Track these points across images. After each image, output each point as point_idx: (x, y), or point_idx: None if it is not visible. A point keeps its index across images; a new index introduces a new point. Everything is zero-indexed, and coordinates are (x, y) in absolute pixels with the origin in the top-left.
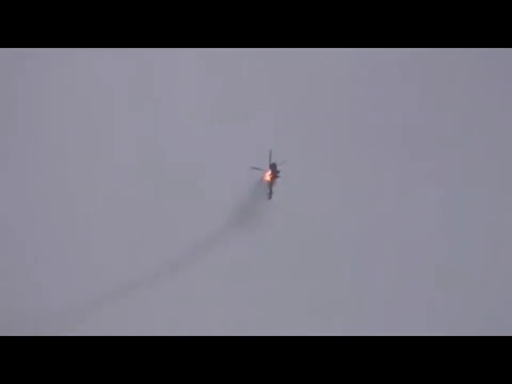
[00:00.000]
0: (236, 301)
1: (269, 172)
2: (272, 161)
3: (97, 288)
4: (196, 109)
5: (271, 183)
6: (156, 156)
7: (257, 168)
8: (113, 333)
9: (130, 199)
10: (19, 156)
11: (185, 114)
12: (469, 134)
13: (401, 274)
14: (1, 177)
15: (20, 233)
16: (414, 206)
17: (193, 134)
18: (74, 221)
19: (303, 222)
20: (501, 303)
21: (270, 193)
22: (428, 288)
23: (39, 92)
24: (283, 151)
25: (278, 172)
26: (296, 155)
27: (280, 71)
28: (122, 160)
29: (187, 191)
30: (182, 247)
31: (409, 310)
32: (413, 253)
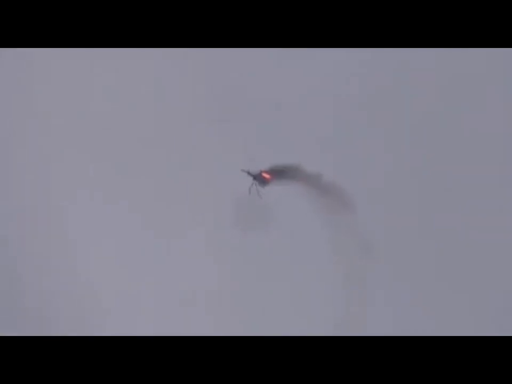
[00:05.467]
0: (235, 301)
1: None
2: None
3: (97, 288)
4: (194, 109)
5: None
6: (153, 155)
7: (248, 173)
8: (114, 333)
9: (127, 197)
10: (17, 157)
11: (183, 114)
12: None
13: (400, 274)
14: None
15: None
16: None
17: (191, 134)
18: (71, 218)
19: (303, 221)
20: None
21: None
22: (429, 289)
23: (38, 92)
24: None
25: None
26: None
27: (278, 70)
28: (119, 161)
29: (185, 192)
30: (179, 246)
31: (410, 310)
32: (414, 253)
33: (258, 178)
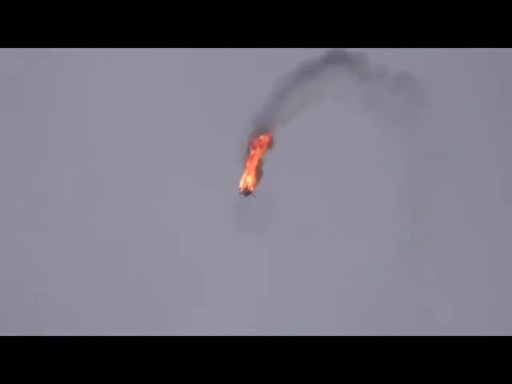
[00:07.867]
0: (235, 302)
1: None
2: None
3: (99, 289)
4: (192, 107)
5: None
6: (152, 156)
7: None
8: (117, 333)
9: (126, 196)
10: (19, 153)
11: (181, 111)
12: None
13: (399, 276)
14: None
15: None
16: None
17: (190, 131)
18: (75, 218)
19: (302, 223)
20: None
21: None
22: (430, 291)
23: (37, 90)
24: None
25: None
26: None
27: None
28: (117, 160)
29: (187, 191)
30: (179, 246)
31: (409, 311)
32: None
33: (245, 195)
